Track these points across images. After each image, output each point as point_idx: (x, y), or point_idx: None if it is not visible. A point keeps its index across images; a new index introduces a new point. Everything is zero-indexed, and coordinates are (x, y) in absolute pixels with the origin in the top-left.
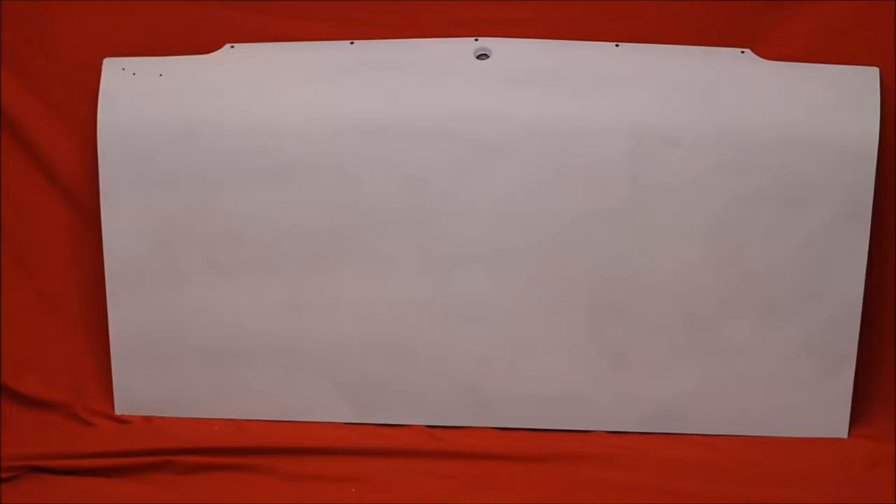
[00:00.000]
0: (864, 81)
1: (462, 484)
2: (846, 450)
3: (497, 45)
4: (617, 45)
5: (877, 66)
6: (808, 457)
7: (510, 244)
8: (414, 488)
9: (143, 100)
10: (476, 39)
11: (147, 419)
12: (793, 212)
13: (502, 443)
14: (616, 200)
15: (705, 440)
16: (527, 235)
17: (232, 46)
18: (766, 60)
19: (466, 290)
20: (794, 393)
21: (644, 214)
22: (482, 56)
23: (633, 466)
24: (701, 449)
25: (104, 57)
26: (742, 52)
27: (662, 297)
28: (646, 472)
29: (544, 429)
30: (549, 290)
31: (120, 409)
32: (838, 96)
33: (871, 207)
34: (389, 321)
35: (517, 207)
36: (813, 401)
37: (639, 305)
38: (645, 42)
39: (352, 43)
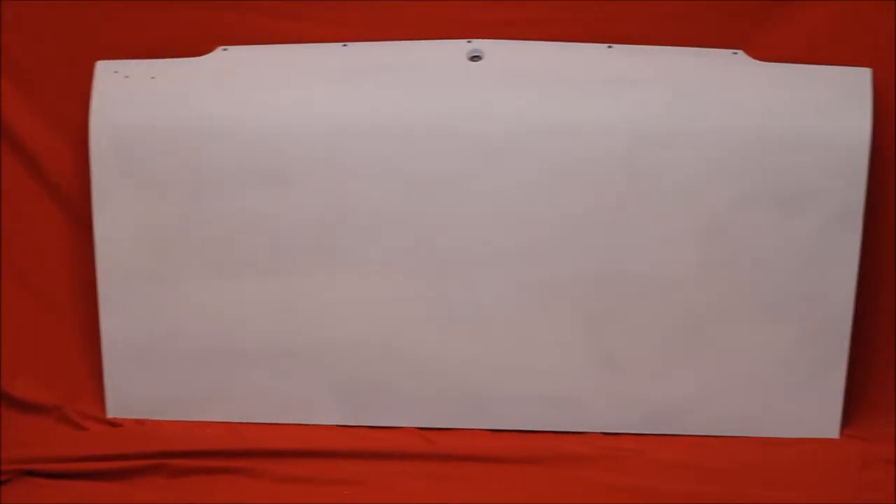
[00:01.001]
0: (856, 83)
1: (455, 486)
2: (838, 450)
3: (490, 47)
4: (609, 47)
5: (869, 67)
6: (800, 457)
7: (505, 245)
8: (406, 491)
9: (135, 103)
10: (469, 41)
11: (139, 422)
12: (786, 213)
13: (495, 445)
14: (610, 202)
15: (700, 441)
16: (521, 237)
17: (225, 49)
18: (758, 62)
19: (461, 292)
20: (787, 394)
21: (639, 216)
22: (475, 58)
23: (628, 468)
24: (695, 450)
25: (97, 60)
26: (735, 53)
27: (657, 298)
28: (640, 474)
29: (538, 430)
30: (544, 291)
31: (112, 413)
32: (831, 97)
33: (863, 209)
34: (384, 323)
35: (512, 209)
36: (805, 402)
37: (634, 307)
38: (637, 43)
39: (345, 45)
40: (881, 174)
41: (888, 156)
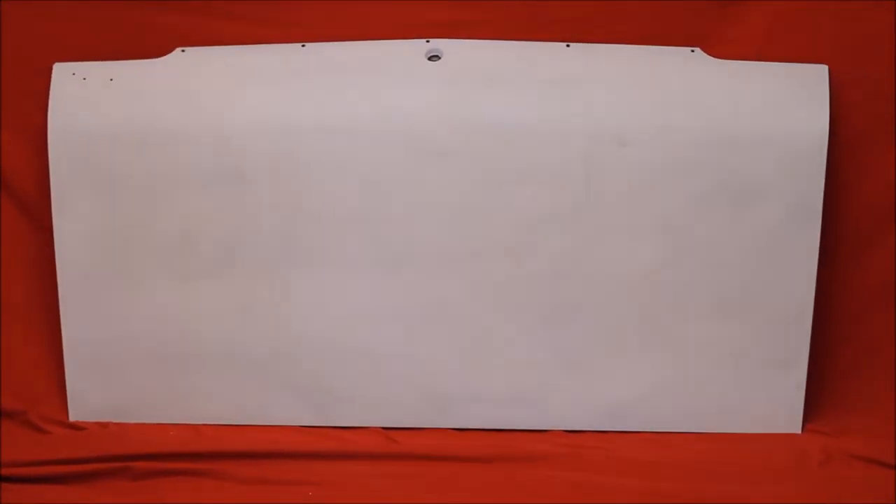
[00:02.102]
0: (813, 79)
1: (419, 486)
2: (800, 445)
3: (448, 47)
4: (568, 46)
5: (826, 64)
6: (762, 452)
7: (464, 246)
8: (370, 491)
9: (94, 105)
10: (427, 41)
11: (102, 425)
12: (745, 210)
13: (459, 443)
14: (569, 200)
15: (661, 437)
16: (480, 236)
17: (183, 50)
18: (716, 59)
19: (421, 292)
20: (748, 389)
21: (597, 214)
22: (433, 58)
23: (591, 465)
24: (658, 447)
25: (54, 62)
26: (692, 51)
27: (616, 296)
28: (604, 471)
29: (501, 429)
30: (503, 291)
31: (74, 416)
32: (788, 94)
33: (821, 204)
34: (344, 324)
35: (471, 208)
36: (767, 397)
37: (593, 305)
38: (596, 42)
39: (303, 46)
40: (839, 169)
41: (845, 151)
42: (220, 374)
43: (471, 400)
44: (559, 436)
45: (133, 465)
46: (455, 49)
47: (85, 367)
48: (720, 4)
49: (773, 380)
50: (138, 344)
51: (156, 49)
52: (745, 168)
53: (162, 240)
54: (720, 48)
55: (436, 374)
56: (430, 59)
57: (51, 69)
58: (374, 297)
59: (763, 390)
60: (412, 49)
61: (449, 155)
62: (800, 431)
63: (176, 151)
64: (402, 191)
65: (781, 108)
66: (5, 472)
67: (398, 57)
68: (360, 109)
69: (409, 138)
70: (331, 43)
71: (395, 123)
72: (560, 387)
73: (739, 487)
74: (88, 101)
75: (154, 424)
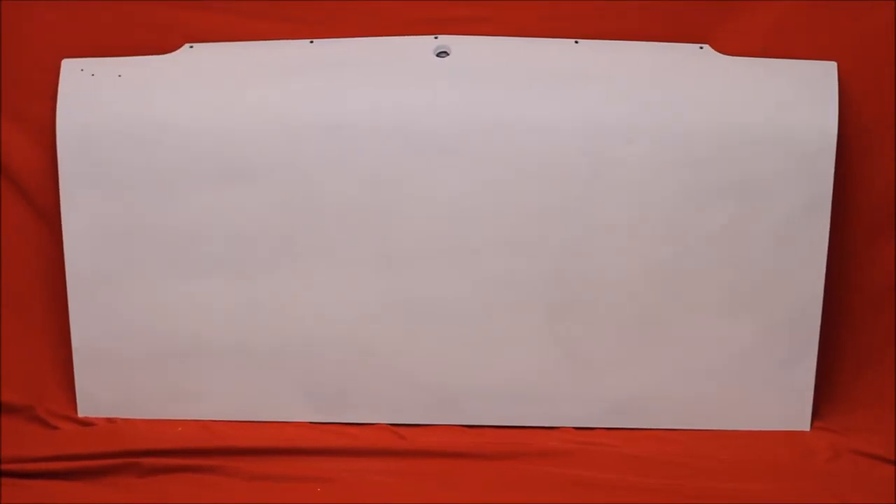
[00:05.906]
0: (822, 76)
1: (427, 482)
2: (808, 443)
3: (457, 43)
4: (576, 42)
5: (835, 60)
6: (770, 450)
7: (470, 242)
8: (379, 487)
9: (102, 101)
10: (436, 37)
11: (110, 421)
12: (752, 206)
13: (466, 440)
14: (575, 197)
15: (669, 435)
16: (486, 233)
17: (191, 46)
18: (724, 56)
19: (428, 289)
20: (757, 386)
21: (603, 211)
22: (442, 54)
23: (598, 462)
24: (665, 443)
25: (63, 58)
26: (701, 47)
27: (622, 292)
28: (612, 468)
29: (508, 426)
30: (509, 288)
31: (83, 412)
32: (797, 91)
33: (830, 201)
34: (351, 320)
35: (476, 205)
36: (775, 394)
37: (599, 301)
38: (604, 38)
39: (311, 42)
40: (847, 166)
41: (854, 148)
42: (228, 370)
43: (478, 396)
44: (569, 433)
45: (141, 462)
46: (464, 45)
47: (93, 363)
48: (729, 1)
49: (782, 377)
50: (146, 340)
51: (164, 45)
52: (753, 165)
53: (169, 236)
54: (729, 45)
55: (443, 370)
56: (438, 55)
57: (59, 65)
58: (381, 293)
59: (771, 388)
60: (421, 45)
61: (457, 151)
62: (808, 429)
63: (184, 147)
64: (410, 187)
65: (790, 105)
66: (13, 467)
67: (407, 53)
68: (368, 106)
69: (417, 135)
70: (339, 39)
71: (403, 120)
72: (568, 383)
73: (747, 484)
74: (97, 97)
75: (162, 420)
